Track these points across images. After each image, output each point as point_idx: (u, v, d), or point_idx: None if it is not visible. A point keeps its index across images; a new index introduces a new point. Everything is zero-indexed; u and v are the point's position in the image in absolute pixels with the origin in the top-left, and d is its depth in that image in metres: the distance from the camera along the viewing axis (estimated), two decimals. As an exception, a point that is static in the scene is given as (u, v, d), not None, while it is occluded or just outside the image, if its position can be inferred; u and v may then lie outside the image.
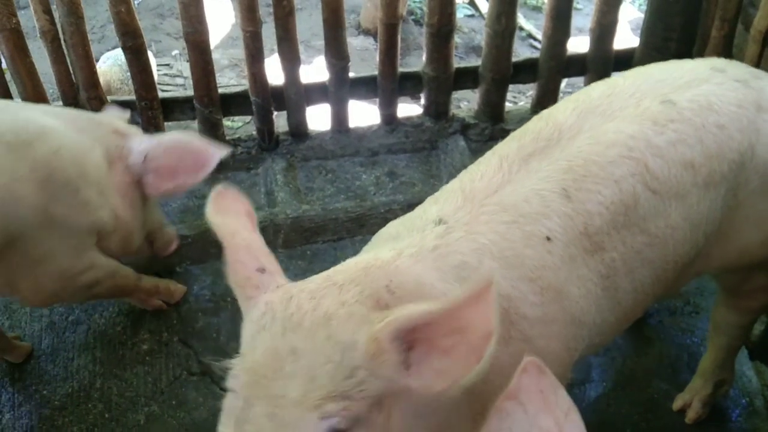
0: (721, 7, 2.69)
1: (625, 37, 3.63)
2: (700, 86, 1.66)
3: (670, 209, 1.59)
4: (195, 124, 3.20)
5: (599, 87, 1.73)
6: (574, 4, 3.33)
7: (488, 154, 1.66)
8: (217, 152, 2.28)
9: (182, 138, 2.31)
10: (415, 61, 4.46)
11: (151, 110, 3.06)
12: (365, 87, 3.24)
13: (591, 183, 1.54)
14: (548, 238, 1.49)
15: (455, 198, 1.55)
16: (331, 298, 1.27)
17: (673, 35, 2.96)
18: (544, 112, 1.72)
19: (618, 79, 1.76)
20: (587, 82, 3.29)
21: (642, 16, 3.27)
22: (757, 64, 2.40)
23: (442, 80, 3.22)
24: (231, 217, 1.42)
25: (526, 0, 5.84)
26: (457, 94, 3.87)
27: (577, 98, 1.71)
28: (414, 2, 5.33)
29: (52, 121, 2.14)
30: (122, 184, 2.26)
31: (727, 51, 2.72)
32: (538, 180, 1.54)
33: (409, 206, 2.99)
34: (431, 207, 1.58)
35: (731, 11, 2.65)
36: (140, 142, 2.28)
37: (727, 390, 2.34)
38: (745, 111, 1.65)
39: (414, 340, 1.21)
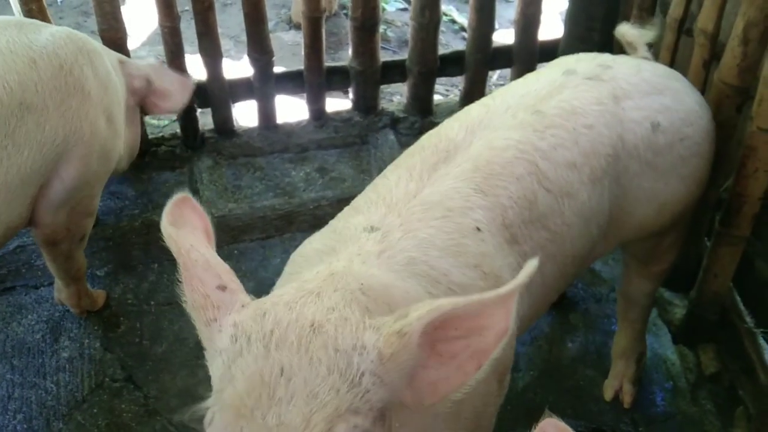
0: (639, -5, 2.72)
1: (555, 29, 3.66)
2: (561, 93, 1.75)
3: (564, 207, 1.65)
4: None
5: (475, 108, 1.79)
6: (500, -3, 3.35)
7: (390, 167, 1.68)
8: (191, 80, 2.62)
9: (163, 65, 2.61)
10: (348, 56, 4.43)
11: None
12: (292, 82, 3.21)
13: (498, 180, 1.58)
14: (478, 229, 1.52)
15: (377, 206, 1.52)
16: (313, 305, 1.15)
17: (596, 25, 2.99)
18: (433, 131, 1.75)
19: (487, 99, 1.82)
20: (514, 74, 3.32)
21: (568, 7, 3.29)
22: (674, 52, 2.44)
23: (369, 74, 3.20)
24: (188, 230, 1.27)
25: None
26: (389, 88, 3.87)
27: (458, 117, 1.77)
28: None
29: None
30: (131, 109, 2.45)
31: (645, 40, 2.75)
32: (452, 180, 1.56)
33: (339, 202, 2.99)
34: (355, 218, 1.53)
35: (648, 0, 2.69)
36: (138, 68, 2.46)
37: (645, 361, 2.40)
38: (605, 107, 1.74)
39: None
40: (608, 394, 2.39)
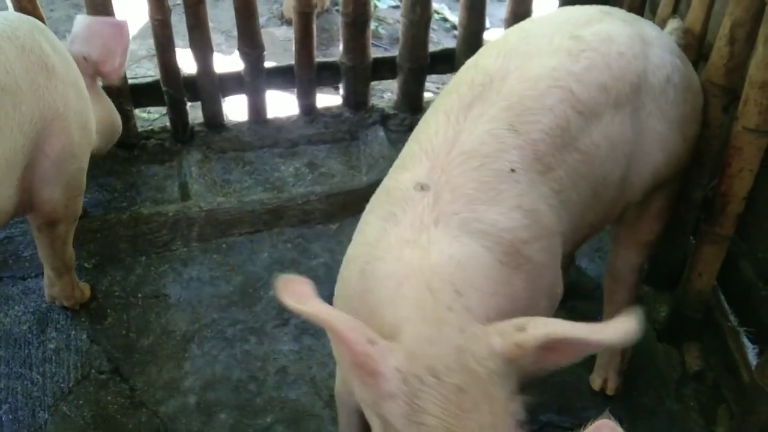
0: (628, -4, 2.74)
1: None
2: (599, 24, 1.88)
3: (592, 127, 1.76)
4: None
5: (515, 32, 1.91)
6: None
7: (431, 110, 1.79)
8: (119, 21, 2.52)
9: (88, 21, 2.50)
10: (339, 52, 4.42)
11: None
12: (282, 77, 3.21)
13: (530, 115, 1.69)
14: (512, 170, 1.64)
15: (421, 160, 1.64)
16: (444, 330, 1.38)
17: (585, 24, 3.00)
18: (471, 61, 1.86)
19: (527, 24, 1.97)
20: (504, 72, 3.32)
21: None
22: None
23: (360, 70, 3.21)
24: (314, 301, 1.38)
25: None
26: (380, 85, 3.87)
27: (497, 44, 1.86)
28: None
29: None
30: (89, 86, 2.39)
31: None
32: (486, 122, 1.67)
33: (328, 197, 3.01)
34: (402, 175, 1.65)
35: (638, 0, 2.70)
36: (74, 45, 2.42)
37: (631, 352, 2.40)
38: (636, 41, 1.88)
39: None
40: (596, 384, 2.42)
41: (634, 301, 2.34)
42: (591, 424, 1.30)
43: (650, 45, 1.91)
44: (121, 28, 2.47)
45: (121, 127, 2.71)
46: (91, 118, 2.33)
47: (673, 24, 2.22)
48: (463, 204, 1.57)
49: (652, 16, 2.69)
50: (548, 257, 1.71)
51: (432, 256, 1.49)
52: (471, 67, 1.82)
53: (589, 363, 2.44)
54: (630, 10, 2.70)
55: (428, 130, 1.70)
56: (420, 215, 1.55)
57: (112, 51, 2.44)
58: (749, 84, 1.94)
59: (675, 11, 2.40)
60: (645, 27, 1.98)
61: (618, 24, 1.91)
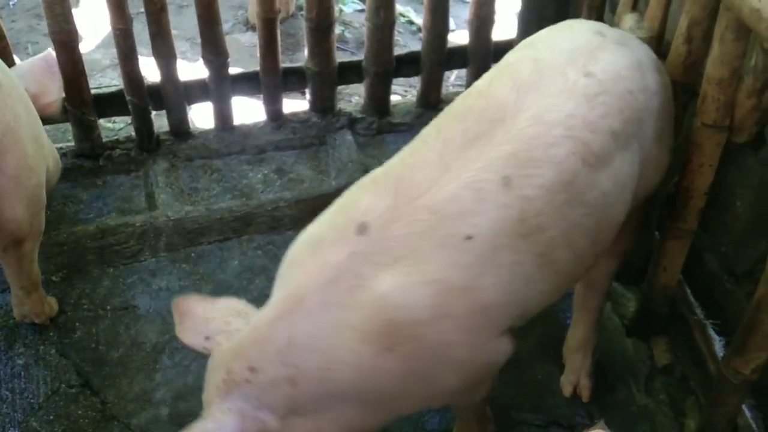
0: (588, -4, 2.77)
1: (510, 29, 3.70)
2: (602, 53, 1.77)
3: (601, 177, 1.68)
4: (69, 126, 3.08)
5: (527, 64, 1.75)
6: (457, -4, 3.38)
7: (433, 133, 1.70)
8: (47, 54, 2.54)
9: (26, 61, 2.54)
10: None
11: (21, 114, 2.92)
12: (248, 83, 3.20)
13: (534, 167, 1.59)
14: (469, 237, 1.54)
15: (387, 193, 1.58)
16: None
17: (547, 25, 3.02)
18: (483, 88, 1.75)
19: (532, 51, 1.81)
20: (470, 74, 3.35)
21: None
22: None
23: (326, 75, 3.21)
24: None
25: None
26: (347, 89, 3.87)
27: (508, 72, 1.75)
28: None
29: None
30: None
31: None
32: (477, 170, 1.57)
33: (297, 203, 3.01)
34: (362, 197, 1.62)
35: (598, 0, 2.74)
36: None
37: (598, 354, 2.42)
38: (638, 72, 1.79)
39: None
40: (567, 390, 2.42)
41: (603, 310, 2.38)
42: None
43: (646, 70, 1.83)
44: (50, 62, 2.51)
45: (60, 163, 2.64)
46: (42, 133, 2.31)
47: (633, 19, 2.23)
48: (376, 265, 1.52)
49: (612, 15, 2.73)
50: (462, 336, 1.60)
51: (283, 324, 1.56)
52: (483, 95, 1.71)
53: (560, 360, 2.47)
54: (590, 9, 2.77)
55: (417, 157, 1.64)
56: (333, 264, 1.54)
57: (46, 85, 2.46)
58: (706, 81, 1.98)
59: (634, 9, 2.43)
60: (637, 49, 1.88)
61: (618, 52, 1.79)
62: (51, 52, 2.56)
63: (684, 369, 2.41)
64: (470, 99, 1.73)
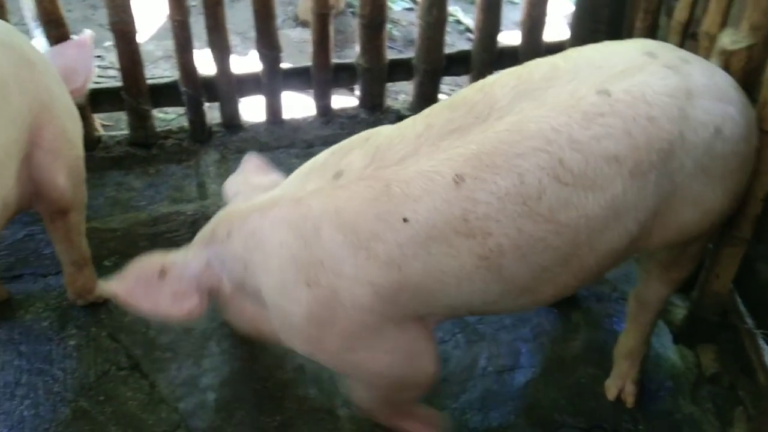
0: (645, -1, 2.75)
1: (561, 31, 3.69)
2: (635, 76, 1.68)
3: (586, 200, 1.61)
4: (124, 115, 3.15)
5: (543, 68, 1.73)
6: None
7: (426, 113, 1.74)
8: (83, 36, 2.49)
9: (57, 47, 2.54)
10: (355, 54, 4.45)
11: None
12: (299, 78, 3.24)
13: (489, 173, 1.58)
14: (406, 220, 1.60)
15: (368, 155, 1.68)
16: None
17: (601, 27, 3.02)
18: (488, 81, 1.74)
19: (560, 60, 1.75)
20: (520, 74, 3.33)
21: (574, 9, 3.32)
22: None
23: (376, 72, 3.23)
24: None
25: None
26: (395, 87, 3.89)
27: (521, 74, 1.72)
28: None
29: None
30: None
31: (651, 43, 2.78)
32: (438, 161, 1.60)
33: (343, 197, 3.02)
34: (354, 150, 1.72)
35: (654, 2, 2.72)
36: None
37: (645, 362, 2.41)
38: (675, 100, 1.67)
39: None
40: (611, 394, 2.40)
41: (656, 323, 2.36)
42: None
43: (696, 97, 1.70)
44: (83, 46, 2.47)
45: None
46: (75, 107, 2.32)
47: (728, 34, 2.07)
48: (320, 213, 1.65)
49: (668, 19, 2.71)
50: (371, 300, 1.67)
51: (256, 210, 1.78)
52: (483, 90, 1.71)
53: (605, 364, 2.46)
54: (645, 14, 2.75)
55: (400, 132, 1.69)
56: (307, 191, 1.70)
57: (74, 70, 2.44)
58: (767, 86, 1.95)
59: (691, 15, 2.41)
60: (693, 72, 1.74)
61: (660, 74, 1.69)
62: (87, 35, 2.52)
63: (732, 378, 2.38)
64: (472, 90, 1.73)
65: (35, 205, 2.26)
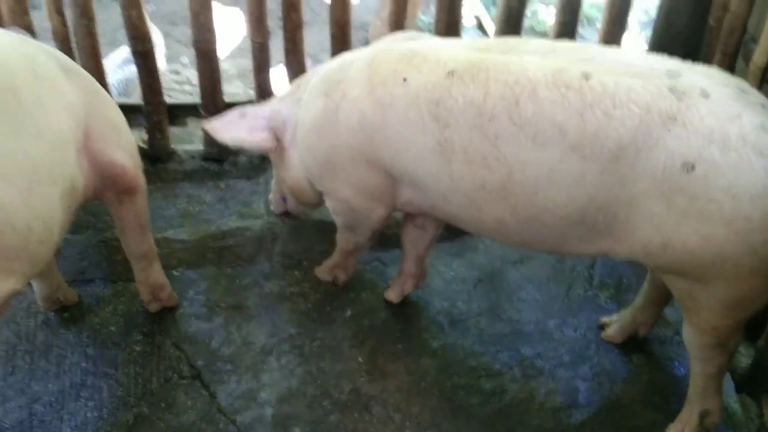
0: (722, 41, 2.73)
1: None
2: (630, 78, 1.81)
3: (525, 146, 1.87)
4: (199, 131, 3.24)
5: (571, 44, 2.06)
6: (580, 33, 3.38)
7: (482, 38, 2.18)
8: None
9: None
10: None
11: (157, 115, 3.10)
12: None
13: (470, 79, 1.93)
14: (405, 79, 2.05)
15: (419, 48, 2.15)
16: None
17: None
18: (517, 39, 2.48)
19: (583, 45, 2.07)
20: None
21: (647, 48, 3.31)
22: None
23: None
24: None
25: (534, 25, 5.90)
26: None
27: (573, 48, 2.01)
28: (422, 23, 5.38)
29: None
30: None
31: (727, 85, 2.74)
32: (449, 56, 2.02)
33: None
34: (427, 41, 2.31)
35: (732, 45, 2.69)
36: None
37: (714, 422, 2.31)
38: (646, 115, 1.76)
39: None
40: None
41: (709, 379, 2.22)
42: None
43: (678, 126, 1.74)
44: None
45: None
46: (114, 101, 2.40)
47: None
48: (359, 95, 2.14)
49: (746, 63, 2.68)
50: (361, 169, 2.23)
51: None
52: (522, 43, 2.07)
53: (664, 408, 2.42)
54: (723, 56, 2.73)
55: (455, 42, 2.26)
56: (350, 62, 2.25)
57: None
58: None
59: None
60: (700, 106, 1.76)
61: (653, 89, 1.78)
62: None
63: (796, 432, 2.32)
64: (523, 39, 2.33)
65: (103, 193, 2.29)
